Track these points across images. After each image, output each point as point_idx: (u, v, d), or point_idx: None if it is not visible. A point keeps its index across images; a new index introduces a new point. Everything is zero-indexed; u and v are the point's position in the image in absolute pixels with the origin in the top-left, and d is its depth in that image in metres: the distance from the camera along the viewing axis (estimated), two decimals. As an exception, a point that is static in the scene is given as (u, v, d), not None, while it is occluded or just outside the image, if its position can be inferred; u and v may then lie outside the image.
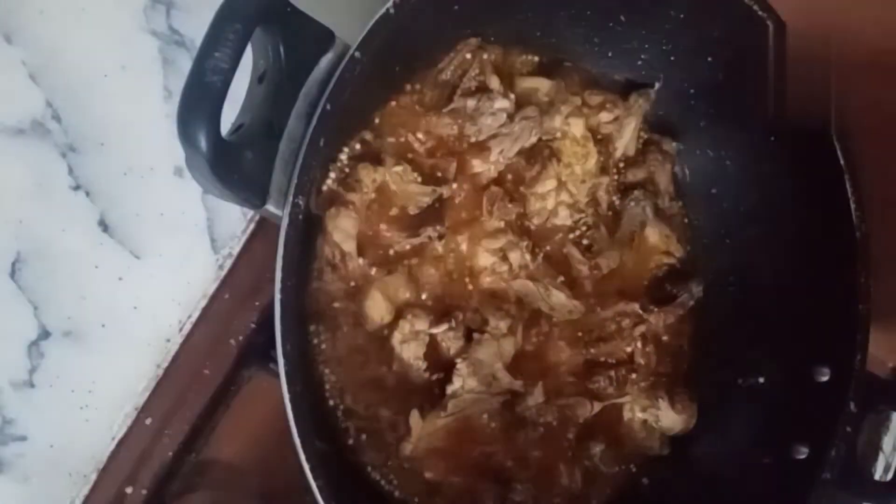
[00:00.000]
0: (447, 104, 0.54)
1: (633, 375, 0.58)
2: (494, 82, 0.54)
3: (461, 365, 0.52)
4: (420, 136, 0.53)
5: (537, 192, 0.56)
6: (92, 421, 0.53)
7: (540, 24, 0.56)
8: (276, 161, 0.40)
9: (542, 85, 0.57)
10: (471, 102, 0.53)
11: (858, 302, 0.51)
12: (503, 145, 0.54)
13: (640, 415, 0.58)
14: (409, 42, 0.46)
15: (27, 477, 0.52)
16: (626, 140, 0.59)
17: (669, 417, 0.58)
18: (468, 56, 0.55)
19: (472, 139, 0.54)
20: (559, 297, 0.56)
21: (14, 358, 0.52)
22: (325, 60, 0.42)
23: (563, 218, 0.57)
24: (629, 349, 0.59)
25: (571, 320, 0.57)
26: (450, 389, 0.51)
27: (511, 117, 0.55)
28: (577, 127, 0.57)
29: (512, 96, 0.55)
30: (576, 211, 0.58)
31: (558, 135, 0.57)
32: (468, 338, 0.53)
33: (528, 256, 0.55)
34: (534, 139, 0.55)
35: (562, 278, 0.57)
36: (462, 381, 0.52)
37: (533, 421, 0.55)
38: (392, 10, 0.42)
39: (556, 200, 0.57)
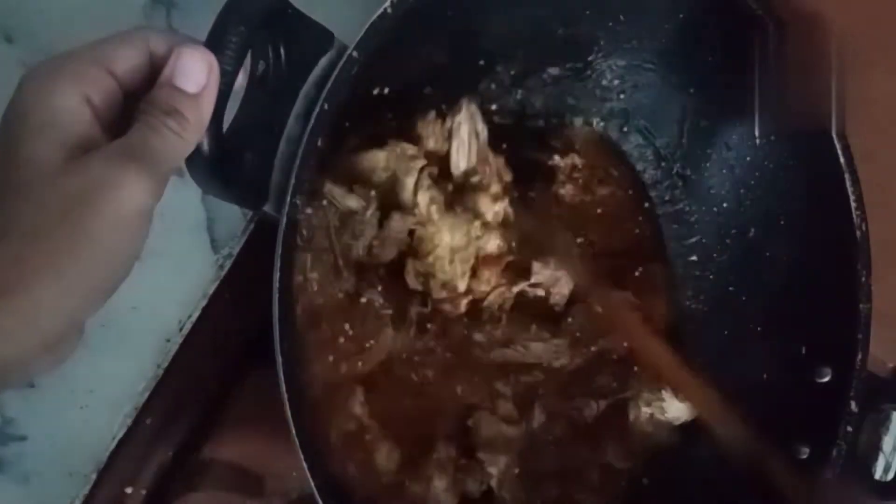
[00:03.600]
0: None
1: (636, 368, 0.58)
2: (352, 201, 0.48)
3: None
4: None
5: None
6: (92, 421, 0.53)
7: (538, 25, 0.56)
8: (275, 162, 0.41)
9: (377, 159, 0.50)
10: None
11: (858, 302, 0.51)
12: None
13: (645, 409, 0.57)
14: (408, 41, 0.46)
15: (27, 477, 0.52)
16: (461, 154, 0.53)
17: (675, 407, 0.57)
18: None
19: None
20: (537, 347, 0.55)
21: (14, 358, 0.52)
22: (325, 61, 0.42)
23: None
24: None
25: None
26: None
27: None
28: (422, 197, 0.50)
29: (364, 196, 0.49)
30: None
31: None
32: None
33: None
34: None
35: (534, 327, 0.56)
36: None
37: (543, 440, 0.55)
38: (389, 10, 0.42)
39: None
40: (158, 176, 0.33)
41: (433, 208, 0.50)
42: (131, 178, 0.31)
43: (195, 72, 0.35)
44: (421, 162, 0.50)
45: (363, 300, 0.50)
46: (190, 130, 0.35)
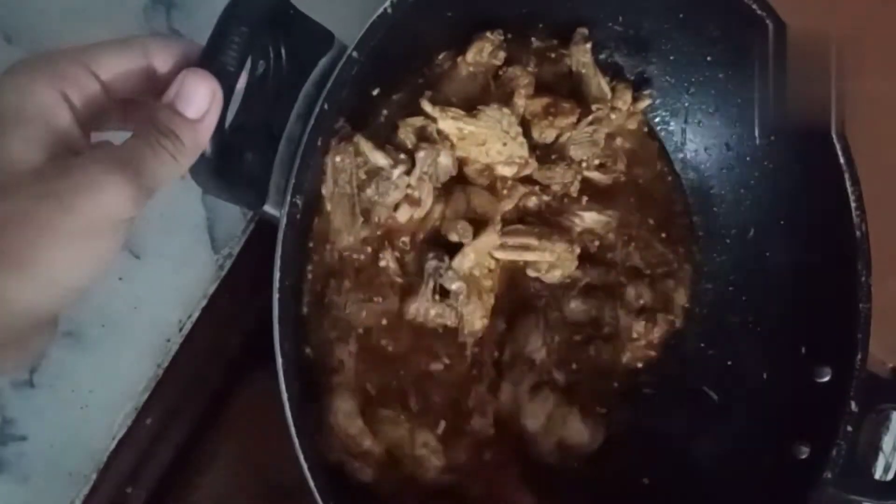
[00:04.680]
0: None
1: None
2: (379, 158, 0.48)
3: None
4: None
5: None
6: (92, 421, 0.53)
7: (535, 23, 0.56)
8: (275, 162, 0.41)
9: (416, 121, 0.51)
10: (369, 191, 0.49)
11: (858, 302, 0.51)
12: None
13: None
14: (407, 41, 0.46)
15: (27, 477, 0.52)
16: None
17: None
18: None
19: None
20: (591, 216, 0.57)
21: (14, 358, 0.52)
22: (325, 61, 0.42)
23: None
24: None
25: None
26: None
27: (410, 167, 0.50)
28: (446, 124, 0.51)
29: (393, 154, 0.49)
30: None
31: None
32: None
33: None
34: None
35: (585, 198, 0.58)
36: None
37: None
38: (389, 10, 0.42)
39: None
40: (142, 188, 0.32)
41: (460, 124, 0.51)
42: (115, 183, 0.31)
43: (198, 98, 0.35)
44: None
45: (381, 263, 0.51)
46: (184, 154, 0.34)
